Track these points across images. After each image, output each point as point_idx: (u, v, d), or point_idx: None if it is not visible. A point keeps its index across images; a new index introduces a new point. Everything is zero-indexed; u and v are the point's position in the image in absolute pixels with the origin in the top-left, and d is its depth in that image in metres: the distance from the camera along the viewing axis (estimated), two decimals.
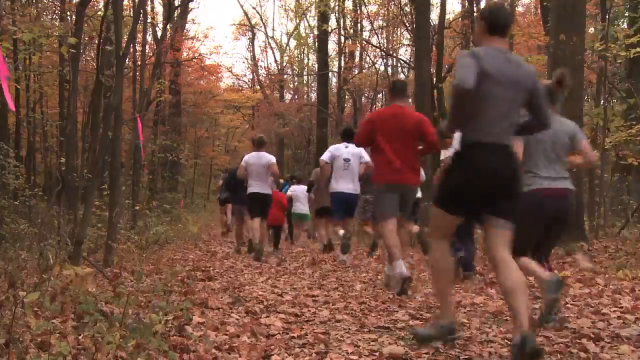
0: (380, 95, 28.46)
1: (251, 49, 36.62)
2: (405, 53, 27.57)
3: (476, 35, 3.45)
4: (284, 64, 35.93)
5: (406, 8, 19.14)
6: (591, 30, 14.65)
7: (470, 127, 3.16)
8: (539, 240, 4.03)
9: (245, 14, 35.95)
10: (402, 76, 27.24)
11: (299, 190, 11.58)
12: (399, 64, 26.80)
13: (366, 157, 7.59)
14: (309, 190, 10.71)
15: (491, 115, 3.11)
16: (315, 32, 26.56)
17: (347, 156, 7.78)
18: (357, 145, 6.28)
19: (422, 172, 6.83)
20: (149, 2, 20.16)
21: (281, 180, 12.64)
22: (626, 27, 14.74)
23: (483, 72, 3.01)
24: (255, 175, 8.46)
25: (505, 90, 3.09)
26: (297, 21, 32.53)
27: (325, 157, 7.99)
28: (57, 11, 16.79)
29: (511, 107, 3.16)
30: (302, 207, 11.59)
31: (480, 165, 3.11)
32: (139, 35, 16.69)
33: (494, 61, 3.09)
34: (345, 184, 7.76)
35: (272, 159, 8.60)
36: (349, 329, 3.81)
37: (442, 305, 3.38)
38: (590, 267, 6.11)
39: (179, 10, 21.07)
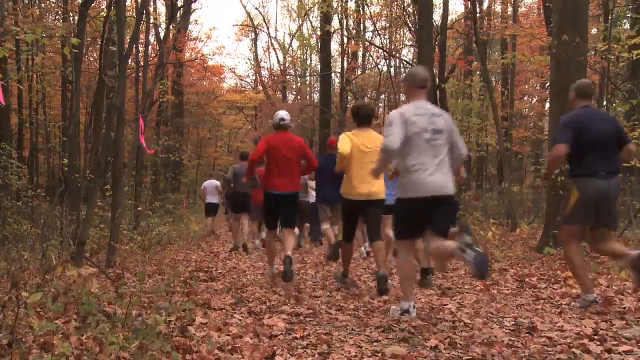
0: (383, 96, 28.46)
1: (254, 49, 36.58)
2: (407, 54, 27.57)
3: None
4: (287, 64, 35.93)
5: (409, 9, 19.13)
6: (594, 31, 14.63)
7: None
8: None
9: (248, 14, 36.03)
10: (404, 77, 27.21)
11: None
12: (401, 65, 26.77)
13: None
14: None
15: None
16: (318, 33, 26.50)
17: None
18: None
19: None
20: (151, 3, 20.19)
21: None
22: (628, 27, 14.72)
23: None
24: (209, 193, 14.55)
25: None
26: (300, 22, 32.56)
27: None
28: (59, 12, 16.83)
29: None
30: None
31: None
32: (142, 36, 16.75)
33: None
34: None
35: (219, 183, 14.37)
36: (352, 329, 3.81)
37: None
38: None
39: (181, 11, 21.12)
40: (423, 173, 4.11)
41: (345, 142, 5.48)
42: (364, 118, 5.55)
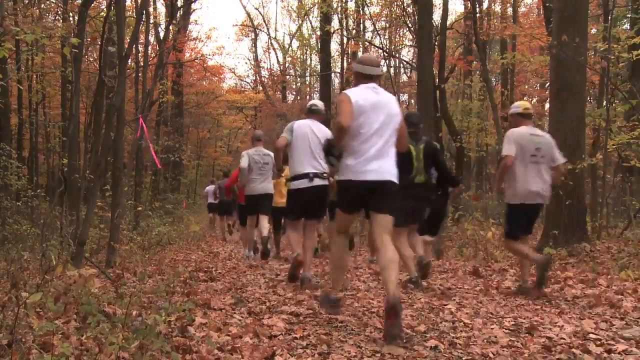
0: None
1: (254, 49, 36.59)
2: (407, 54, 27.59)
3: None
4: (287, 64, 35.94)
5: (409, 9, 19.13)
6: (594, 31, 14.63)
7: None
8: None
9: (248, 14, 35.98)
10: (404, 77, 27.27)
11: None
12: (401, 65, 26.80)
13: None
14: None
15: None
16: (318, 33, 26.51)
17: None
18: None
19: None
20: (151, 3, 20.19)
21: None
22: (628, 27, 14.72)
23: None
24: (211, 195, 16.26)
25: None
26: (300, 22, 32.56)
27: None
28: (59, 12, 16.83)
29: None
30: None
31: None
32: (142, 36, 16.75)
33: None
34: None
35: (215, 187, 15.81)
36: (352, 329, 3.81)
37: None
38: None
39: (181, 11, 21.11)
40: (255, 183, 8.03)
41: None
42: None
